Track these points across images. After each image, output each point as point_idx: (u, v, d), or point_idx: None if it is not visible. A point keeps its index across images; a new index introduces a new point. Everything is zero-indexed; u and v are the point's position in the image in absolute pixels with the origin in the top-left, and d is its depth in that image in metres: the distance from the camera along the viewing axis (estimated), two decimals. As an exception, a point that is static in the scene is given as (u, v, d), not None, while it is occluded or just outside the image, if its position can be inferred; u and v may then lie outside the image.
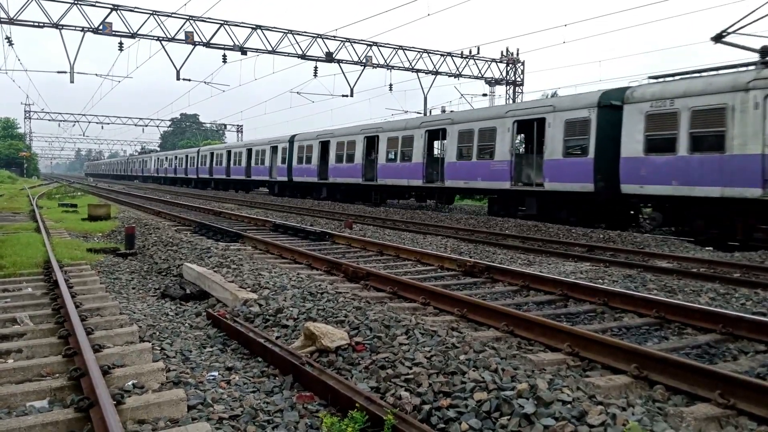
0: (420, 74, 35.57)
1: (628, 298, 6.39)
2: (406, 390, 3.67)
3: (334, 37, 32.13)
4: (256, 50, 30.67)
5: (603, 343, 4.61)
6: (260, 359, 4.70)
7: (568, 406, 3.20)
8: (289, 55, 31.47)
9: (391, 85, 35.71)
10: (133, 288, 7.90)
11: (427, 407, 3.44)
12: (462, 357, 4.02)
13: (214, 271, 7.75)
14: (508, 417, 3.19)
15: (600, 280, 7.95)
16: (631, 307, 6.24)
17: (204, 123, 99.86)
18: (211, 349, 5.04)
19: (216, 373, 4.36)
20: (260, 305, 5.96)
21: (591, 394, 3.46)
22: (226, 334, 5.42)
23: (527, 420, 3.12)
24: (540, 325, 5.21)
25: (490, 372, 3.72)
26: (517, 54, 38.06)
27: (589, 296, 6.72)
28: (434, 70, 35.37)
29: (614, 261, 10.07)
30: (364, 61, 33.10)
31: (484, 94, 39.96)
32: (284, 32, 31.08)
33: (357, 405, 3.38)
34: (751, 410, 3.55)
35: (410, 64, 34.65)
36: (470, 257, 9.82)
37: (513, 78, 37.95)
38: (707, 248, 12.65)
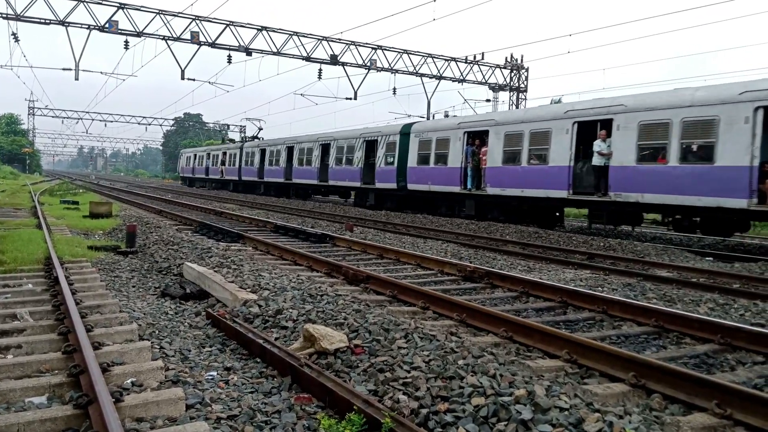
0: (424, 78, 35.61)
1: (627, 307, 6.39)
2: (404, 393, 3.68)
3: (339, 39, 32.21)
4: (261, 51, 30.74)
5: (601, 350, 4.62)
6: (259, 360, 4.71)
7: (566, 412, 3.21)
8: (293, 56, 31.54)
9: (395, 88, 35.72)
10: (134, 286, 7.91)
11: (424, 411, 3.45)
12: (460, 362, 4.03)
13: (215, 271, 7.76)
14: (506, 423, 3.20)
15: (599, 288, 7.95)
16: (630, 315, 6.25)
17: (207, 123, 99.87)
18: (210, 349, 5.05)
19: (215, 373, 4.38)
20: (260, 306, 5.97)
21: (588, 401, 3.47)
22: (226, 334, 5.43)
23: (524, 426, 3.13)
24: (539, 331, 5.21)
25: (488, 377, 3.73)
26: (521, 61, 38.12)
27: (588, 304, 6.73)
28: (438, 74, 35.43)
29: (614, 269, 10.07)
30: (368, 64, 33.15)
31: (488, 100, 39.97)
32: (289, 34, 31.17)
33: (355, 407, 3.39)
34: (748, 421, 3.55)
35: (414, 68, 34.70)
36: (470, 262, 9.83)
37: (517, 84, 38.00)
38: (707, 258, 12.66)
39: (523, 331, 5.35)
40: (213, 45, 29.64)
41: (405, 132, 24.65)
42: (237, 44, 30.07)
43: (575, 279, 8.84)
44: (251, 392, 4.03)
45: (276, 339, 5.08)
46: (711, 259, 12.64)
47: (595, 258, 11.70)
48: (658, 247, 13.57)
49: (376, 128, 27.96)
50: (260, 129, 46.01)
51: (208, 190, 47.34)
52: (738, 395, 3.70)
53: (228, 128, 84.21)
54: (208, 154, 51.56)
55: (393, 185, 24.87)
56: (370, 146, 27.02)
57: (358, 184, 27.70)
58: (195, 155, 56.34)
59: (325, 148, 30.78)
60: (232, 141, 50.98)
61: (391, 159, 25.09)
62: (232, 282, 7.12)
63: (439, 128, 22.96)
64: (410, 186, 23.75)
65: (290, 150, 34.54)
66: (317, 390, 3.88)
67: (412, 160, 23.71)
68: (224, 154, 47.10)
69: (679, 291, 8.00)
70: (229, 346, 5.15)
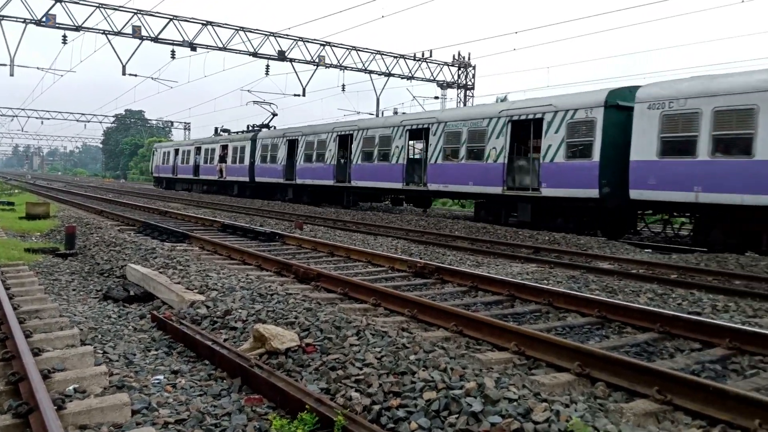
0: (373, 75, 35.63)
1: (571, 298, 6.58)
2: (356, 391, 3.68)
3: (287, 35, 31.88)
4: (206, 47, 30.08)
5: (548, 342, 4.74)
6: (207, 362, 4.62)
7: (514, 403, 3.28)
8: (240, 52, 31.01)
9: (344, 85, 35.64)
10: (74, 289, 7.63)
11: (377, 407, 3.46)
12: (412, 357, 4.06)
13: (160, 272, 7.56)
14: (457, 415, 3.24)
15: (545, 281, 8.15)
16: (574, 306, 6.43)
17: (150, 120, 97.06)
18: (156, 353, 4.93)
19: (161, 377, 4.27)
20: (208, 307, 5.86)
21: (536, 391, 3.55)
22: (172, 337, 5.30)
23: (475, 418, 3.18)
24: (488, 324, 5.31)
25: (439, 371, 3.77)
26: (469, 58, 38.63)
27: (534, 296, 6.89)
28: (387, 71, 35.50)
29: (559, 262, 10.35)
30: (316, 60, 32.94)
31: (436, 97, 40.36)
32: (235, 29, 30.62)
33: (307, 406, 3.37)
34: (687, 405, 3.71)
35: (363, 65, 34.69)
36: (420, 258, 9.91)
37: (464, 82, 38.48)
38: (646, 250, 13.15)
39: (472, 324, 5.44)
40: (156, 40, 28.82)
41: (614, 103, 14.94)
42: (181, 39, 29.35)
43: (522, 272, 9.03)
44: (200, 395, 3.95)
45: (225, 340, 4.99)
46: (650, 251, 13.13)
47: (541, 252, 11.98)
48: (600, 240, 14.01)
49: (539, 100, 17.33)
50: (274, 115, 35.93)
51: (191, 194, 38.72)
52: (677, 381, 3.86)
53: (172, 125, 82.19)
54: (198, 149, 40.88)
55: (586, 192, 15.13)
56: (518, 130, 17.70)
57: (496, 190, 17.70)
58: (177, 151, 45.24)
59: (416, 135, 21.86)
60: (227, 132, 39.94)
61: (579, 149, 15.66)
62: (179, 283, 6.96)
63: (719, 91, 12.60)
64: (637, 193, 13.91)
65: (343, 140, 25.38)
66: (268, 390, 3.84)
67: (639, 151, 13.84)
68: (224, 148, 36.64)
69: (620, 282, 8.29)
70: (176, 348, 5.03)
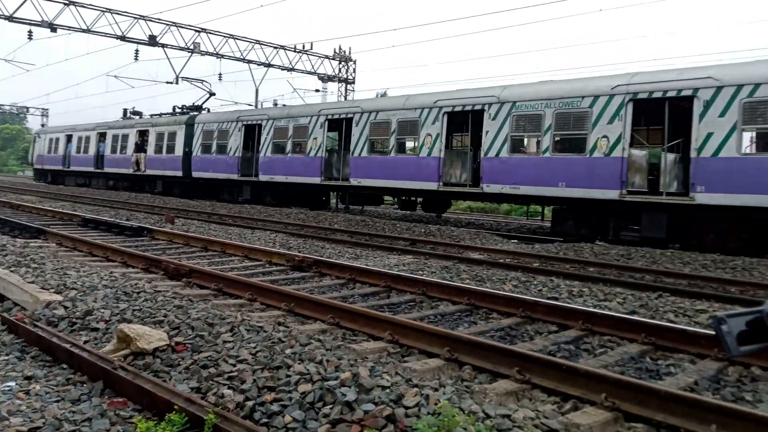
0: (252, 65, 34.77)
1: (443, 288, 6.87)
2: (229, 388, 3.60)
3: (159, 20, 30.24)
4: (69, 28, 27.79)
5: (420, 329, 4.92)
6: (65, 366, 4.30)
7: (387, 390, 3.37)
8: (106, 35, 28.97)
9: (220, 74, 34.45)
10: None
11: (250, 403, 3.40)
12: (288, 351, 4.04)
13: (11, 271, 6.91)
14: (331, 406, 3.28)
15: (420, 272, 8.43)
16: (446, 295, 6.72)
17: (1, 105, 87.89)
18: (6, 358, 4.50)
19: (13, 384, 3.92)
20: (66, 307, 5.44)
21: (408, 378, 3.68)
22: (25, 341, 4.87)
23: (349, 407, 3.23)
24: (364, 315, 5.40)
25: (315, 364, 3.78)
26: (350, 53, 38.83)
27: (410, 287, 7.11)
28: (267, 62, 34.78)
29: (433, 253, 10.74)
30: (191, 47, 31.54)
31: (317, 90, 40.20)
32: (102, 10, 28.52)
33: (176, 407, 3.25)
34: (543, 384, 4.01)
35: (242, 54, 33.72)
36: (299, 252, 9.86)
37: (345, 76, 38.64)
38: (513, 241, 14.01)
39: (348, 316, 5.51)
40: (10, 19, 26.21)
41: None
42: (39, 19, 26.89)
43: (399, 264, 9.28)
44: (57, 401, 3.67)
45: (86, 342, 4.67)
46: (516, 241, 14.00)
47: (417, 243, 12.37)
48: (472, 231, 14.72)
49: (684, 71, 12.52)
50: (212, 94, 30.73)
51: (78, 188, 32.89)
52: (535, 362, 4.16)
53: (27, 111, 75.18)
54: (102, 135, 33.44)
55: None
56: (641, 112, 13.72)
57: (610, 194, 13.06)
58: (71, 137, 36.94)
59: (458, 120, 17.06)
60: (139, 115, 33.54)
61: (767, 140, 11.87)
62: (32, 282, 6.40)
63: None
64: None
65: (335, 126, 21.05)
66: (133, 393, 3.65)
67: None
68: (143, 134, 30.10)
69: (488, 271, 8.77)
70: (29, 353, 4.63)
